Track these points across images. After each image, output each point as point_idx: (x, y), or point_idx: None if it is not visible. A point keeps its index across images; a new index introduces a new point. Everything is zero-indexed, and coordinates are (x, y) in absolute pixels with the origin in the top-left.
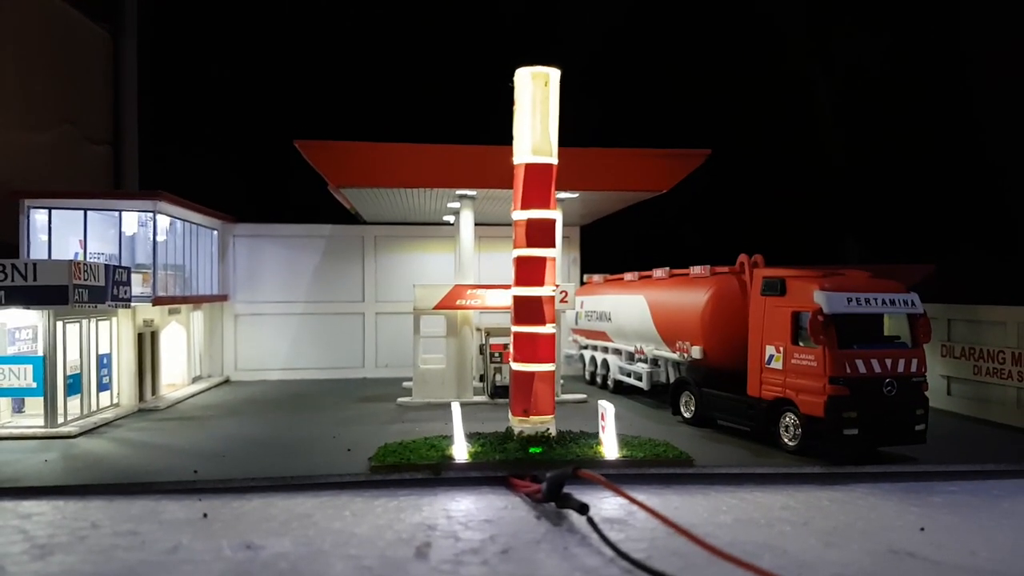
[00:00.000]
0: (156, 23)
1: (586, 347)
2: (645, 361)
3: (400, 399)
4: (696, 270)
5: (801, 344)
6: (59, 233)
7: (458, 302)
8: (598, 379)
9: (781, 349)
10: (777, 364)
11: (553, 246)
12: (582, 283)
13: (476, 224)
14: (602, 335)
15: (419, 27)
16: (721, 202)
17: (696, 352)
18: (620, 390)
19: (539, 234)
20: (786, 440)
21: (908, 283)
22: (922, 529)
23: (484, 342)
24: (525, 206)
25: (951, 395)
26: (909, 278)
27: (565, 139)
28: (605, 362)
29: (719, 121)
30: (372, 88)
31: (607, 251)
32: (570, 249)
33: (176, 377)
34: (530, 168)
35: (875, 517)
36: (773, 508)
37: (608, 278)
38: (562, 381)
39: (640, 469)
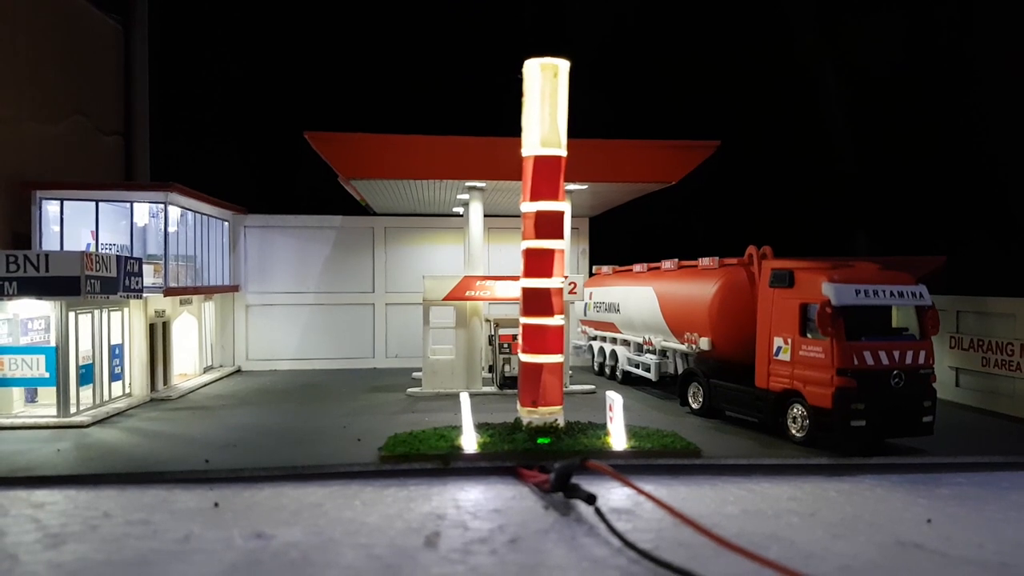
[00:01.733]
0: (166, 14)
1: (595, 338)
2: (653, 352)
3: (410, 389)
4: (705, 262)
5: (809, 336)
6: (71, 224)
7: (467, 293)
8: (606, 370)
9: (789, 341)
10: (785, 356)
11: (562, 238)
12: (591, 274)
13: (485, 216)
14: (611, 326)
15: (428, 18)
16: (730, 194)
17: (704, 343)
18: (628, 381)
19: (548, 226)
20: (794, 431)
21: (917, 275)
22: (929, 521)
23: (493, 333)
24: (534, 198)
25: (959, 387)
26: (918, 270)
27: (574, 131)
28: (614, 353)
29: (728, 113)
30: (382, 80)
31: (616, 242)
32: (579, 240)
33: (188, 367)
34: (539, 160)
35: (882, 509)
36: (780, 499)
37: (617, 269)
38: (570, 372)
39: (648, 460)
